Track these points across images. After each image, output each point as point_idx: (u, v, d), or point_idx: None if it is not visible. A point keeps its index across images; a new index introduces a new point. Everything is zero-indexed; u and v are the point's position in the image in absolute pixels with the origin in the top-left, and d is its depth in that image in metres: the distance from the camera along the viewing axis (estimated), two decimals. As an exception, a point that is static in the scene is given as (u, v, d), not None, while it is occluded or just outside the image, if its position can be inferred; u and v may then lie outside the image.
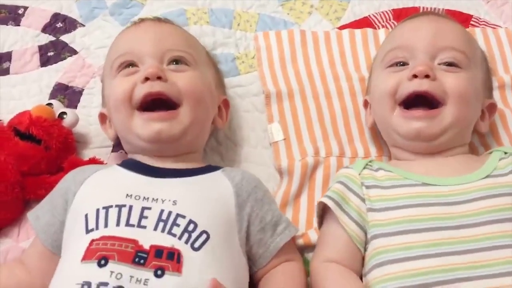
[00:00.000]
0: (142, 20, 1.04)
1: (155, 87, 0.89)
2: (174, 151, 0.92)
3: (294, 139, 1.07)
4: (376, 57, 1.07)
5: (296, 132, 1.07)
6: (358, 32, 1.21)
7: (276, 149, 1.06)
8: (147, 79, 0.89)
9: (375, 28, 1.23)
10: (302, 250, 0.95)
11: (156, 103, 0.90)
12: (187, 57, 0.95)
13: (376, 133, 1.07)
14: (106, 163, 1.02)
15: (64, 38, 1.22)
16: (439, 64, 0.93)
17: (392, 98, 0.93)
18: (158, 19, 1.04)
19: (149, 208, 0.80)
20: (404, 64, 0.95)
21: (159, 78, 0.89)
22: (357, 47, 1.19)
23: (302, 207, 1.00)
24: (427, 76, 0.90)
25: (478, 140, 1.05)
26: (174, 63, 0.93)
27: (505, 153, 0.92)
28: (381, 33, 1.20)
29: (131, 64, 0.93)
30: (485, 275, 0.76)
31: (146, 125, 0.89)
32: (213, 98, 0.98)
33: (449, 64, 0.93)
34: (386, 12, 1.26)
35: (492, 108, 1.00)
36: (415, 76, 0.91)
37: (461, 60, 0.93)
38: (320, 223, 0.92)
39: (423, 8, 1.26)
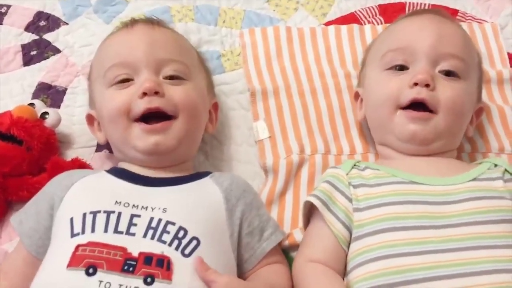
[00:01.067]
0: (134, 22, 0.99)
1: (153, 102, 0.88)
2: (169, 162, 0.91)
3: (280, 136, 1.06)
4: (371, 49, 1.04)
5: (282, 130, 1.07)
6: (344, 28, 1.20)
7: (261, 147, 1.05)
8: (144, 94, 0.88)
9: (361, 23, 1.22)
10: (288, 250, 0.94)
11: (152, 114, 0.89)
12: (183, 69, 0.94)
13: (362, 130, 1.06)
14: (89, 164, 1.02)
15: (47, 36, 1.21)
16: (439, 71, 0.93)
17: (392, 101, 0.92)
18: (151, 22, 1.00)
19: (139, 216, 0.80)
20: (403, 67, 0.94)
21: (156, 93, 0.88)
22: (343, 43, 1.18)
23: (288, 205, 0.99)
24: (427, 85, 0.90)
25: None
26: (170, 78, 0.92)
27: (495, 165, 0.92)
28: (367, 29, 1.20)
29: (127, 79, 0.91)
30: (465, 273, 0.76)
31: (143, 137, 0.88)
32: (206, 107, 0.98)
33: (449, 72, 0.93)
34: (372, 7, 1.25)
35: (479, 111, 1.01)
36: (415, 84, 0.90)
37: (461, 69, 0.93)
38: (306, 222, 0.91)
39: (409, 3, 1.25)
